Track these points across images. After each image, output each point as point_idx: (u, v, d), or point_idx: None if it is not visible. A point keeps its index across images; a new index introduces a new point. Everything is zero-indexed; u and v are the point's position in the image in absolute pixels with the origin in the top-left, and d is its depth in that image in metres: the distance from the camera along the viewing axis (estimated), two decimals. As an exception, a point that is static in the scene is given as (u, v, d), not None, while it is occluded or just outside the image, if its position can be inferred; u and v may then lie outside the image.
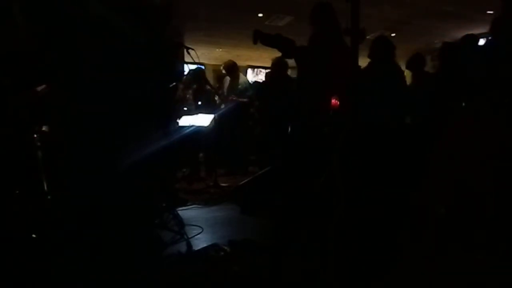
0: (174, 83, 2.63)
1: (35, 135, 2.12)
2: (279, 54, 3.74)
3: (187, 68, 4.25)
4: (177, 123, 4.02)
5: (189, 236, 2.43)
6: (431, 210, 2.63)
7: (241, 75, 5.69)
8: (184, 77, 4.79)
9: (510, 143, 2.27)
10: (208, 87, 5.11)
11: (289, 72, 5.05)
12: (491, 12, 2.95)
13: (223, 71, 5.61)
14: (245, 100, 5.32)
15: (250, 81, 5.96)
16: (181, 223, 2.65)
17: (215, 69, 9.16)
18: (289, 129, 3.36)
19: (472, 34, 3.74)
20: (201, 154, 5.14)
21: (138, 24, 2.21)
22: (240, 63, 8.71)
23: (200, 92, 5.06)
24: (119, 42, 2.10)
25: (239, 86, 5.37)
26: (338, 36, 3.04)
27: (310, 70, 3.14)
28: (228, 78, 5.54)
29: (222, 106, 5.19)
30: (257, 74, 10.06)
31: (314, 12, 3.22)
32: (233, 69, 5.50)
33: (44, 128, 2.23)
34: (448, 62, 3.39)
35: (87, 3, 2.03)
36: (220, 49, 8.56)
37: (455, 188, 2.57)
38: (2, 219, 1.92)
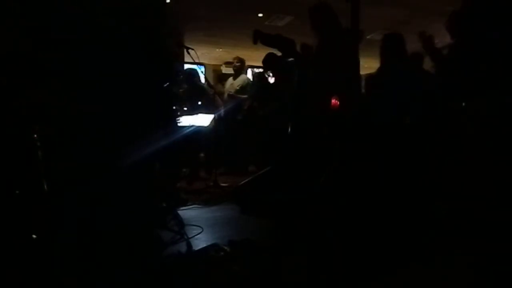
0: (168, 83, 2.62)
1: (35, 135, 2.12)
2: (279, 54, 3.74)
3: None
4: (178, 123, 4.02)
5: (189, 236, 2.42)
6: (431, 210, 2.64)
7: (243, 74, 5.73)
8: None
9: (510, 142, 2.27)
10: (208, 87, 5.10)
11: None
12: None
13: (222, 68, 5.66)
14: (244, 96, 5.34)
15: (251, 81, 5.98)
16: (181, 223, 2.65)
17: (215, 69, 9.16)
18: (289, 129, 3.36)
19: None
20: (201, 154, 5.14)
21: (135, 23, 2.21)
22: (240, 63, 8.72)
23: (193, 92, 5.06)
24: (117, 42, 2.11)
25: (238, 83, 5.39)
26: (341, 38, 3.05)
27: (311, 71, 3.14)
28: (230, 79, 5.58)
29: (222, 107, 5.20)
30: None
31: (315, 17, 3.21)
32: (242, 63, 5.55)
33: (44, 128, 2.23)
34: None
35: (85, 4, 2.03)
36: (220, 49, 8.55)
37: (455, 188, 2.57)
38: (2, 219, 1.92)
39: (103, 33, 2.08)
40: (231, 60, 6.15)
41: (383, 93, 3.24)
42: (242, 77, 5.55)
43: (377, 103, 3.16)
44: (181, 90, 5.04)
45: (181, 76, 4.94)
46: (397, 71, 3.33)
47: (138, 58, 2.21)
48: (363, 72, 3.72)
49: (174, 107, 3.07)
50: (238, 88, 5.38)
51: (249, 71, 9.80)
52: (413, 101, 3.20)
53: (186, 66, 5.45)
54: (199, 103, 4.98)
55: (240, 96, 5.34)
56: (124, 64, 2.12)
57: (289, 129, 3.34)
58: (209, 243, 2.27)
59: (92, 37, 2.05)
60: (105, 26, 2.07)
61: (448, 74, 2.73)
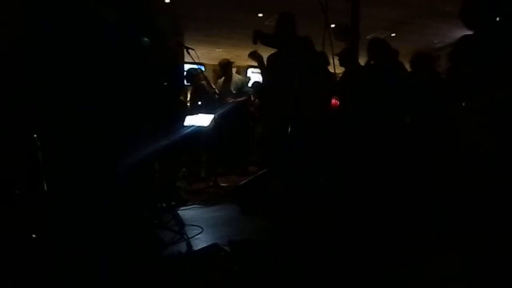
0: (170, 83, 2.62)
1: (35, 135, 2.12)
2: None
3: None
4: (182, 123, 4.01)
5: (189, 236, 2.43)
6: (431, 210, 2.64)
7: (234, 74, 5.57)
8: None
9: (509, 142, 2.27)
10: (207, 86, 5.08)
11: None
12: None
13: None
14: (243, 98, 5.30)
15: (245, 80, 5.89)
16: (181, 223, 2.65)
17: (215, 69, 9.15)
18: (289, 129, 3.36)
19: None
20: (202, 154, 5.14)
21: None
22: (240, 63, 8.71)
23: (197, 92, 5.05)
24: (116, 42, 2.10)
25: (233, 86, 5.32)
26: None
27: (311, 71, 3.15)
28: (221, 84, 5.48)
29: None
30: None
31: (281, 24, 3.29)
32: (226, 68, 5.43)
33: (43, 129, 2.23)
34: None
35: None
36: (220, 49, 8.56)
37: (455, 188, 2.57)
38: (2, 219, 1.92)
39: (102, 31, 2.08)
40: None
41: (372, 92, 3.26)
42: (234, 79, 5.41)
43: (366, 102, 3.17)
44: (188, 93, 5.06)
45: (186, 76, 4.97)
46: (385, 71, 3.36)
47: (139, 58, 2.21)
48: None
49: (177, 107, 3.07)
50: (234, 92, 5.30)
51: (249, 71, 9.81)
52: (404, 100, 3.21)
53: (186, 66, 5.43)
54: (199, 103, 4.98)
55: (239, 99, 5.29)
56: (124, 64, 2.12)
57: (289, 129, 3.34)
58: (209, 243, 2.27)
59: (92, 36, 2.05)
60: (103, 23, 2.06)
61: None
